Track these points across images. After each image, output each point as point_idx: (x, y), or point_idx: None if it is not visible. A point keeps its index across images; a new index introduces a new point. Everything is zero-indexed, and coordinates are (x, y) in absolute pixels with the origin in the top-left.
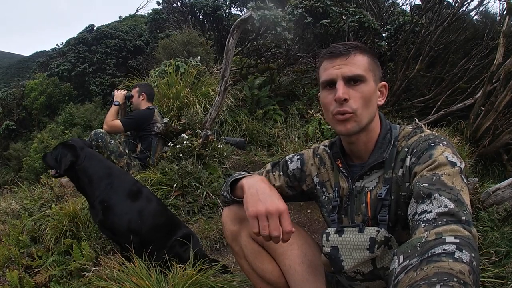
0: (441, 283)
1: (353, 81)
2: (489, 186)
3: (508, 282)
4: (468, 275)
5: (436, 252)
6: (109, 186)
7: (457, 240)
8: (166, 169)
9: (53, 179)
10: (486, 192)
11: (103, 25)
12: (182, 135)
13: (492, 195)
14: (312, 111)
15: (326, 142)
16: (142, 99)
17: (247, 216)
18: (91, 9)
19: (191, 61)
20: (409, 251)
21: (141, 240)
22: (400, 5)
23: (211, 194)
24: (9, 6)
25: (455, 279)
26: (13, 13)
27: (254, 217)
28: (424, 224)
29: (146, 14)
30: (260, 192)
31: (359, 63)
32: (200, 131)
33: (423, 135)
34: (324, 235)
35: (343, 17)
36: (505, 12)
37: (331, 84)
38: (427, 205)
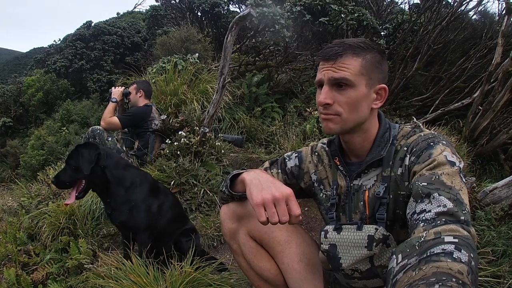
0: (440, 283)
1: (338, 85)
2: (486, 185)
3: (505, 281)
4: (466, 275)
5: (435, 252)
6: (134, 184)
7: (456, 240)
8: (164, 166)
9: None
10: (483, 192)
11: (101, 22)
12: (180, 132)
13: (489, 195)
14: (310, 109)
15: (325, 140)
16: (139, 96)
17: (253, 206)
18: (89, 5)
19: (189, 58)
20: (408, 250)
21: (159, 233)
22: (399, 3)
23: (208, 192)
24: (6, 3)
25: (453, 279)
26: (11, 9)
27: (261, 205)
28: (423, 223)
29: (144, 11)
30: (263, 181)
31: (348, 68)
32: (198, 128)
33: (422, 134)
34: (323, 233)
35: (342, 15)
36: (504, 12)
37: (320, 85)
38: (426, 205)
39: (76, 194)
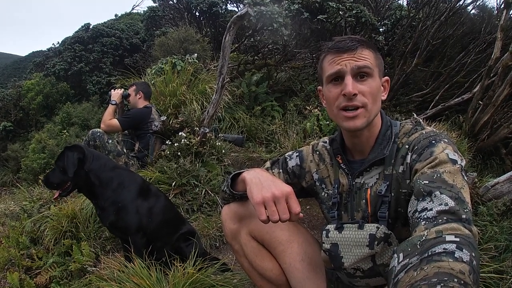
0: (442, 284)
1: (360, 76)
2: (488, 180)
3: (508, 277)
4: (468, 275)
5: (436, 251)
6: (121, 186)
7: (457, 239)
8: (165, 167)
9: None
10: (485, 187)
11: (99, 24)
12: (180, 133)
13: (491, 190)
14: (310, 107)
15: (326, 139)
16: (139, 98)
17: (253, 204)
18: (87, 8)
19: (187, 59)
20: (409, 249)
21: (151, 236)
22: None
23: (210, 192)
24: (5, 7)
25: (455, 280)
26: (9, 13)
27: (261, 204)
28: (424, 222)
29: (142, 12)
30: (263, 179)
31: (367, 58)
32: (198, 128)
33: (424, 132)
34: (324, 232)
35: (340, 12)
36: (502, 6)
37: (338, 78)
38: (427, 203)
39: (60, 192)
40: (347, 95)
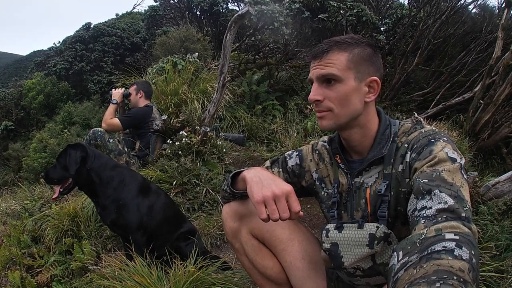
0: (441, 282)
1: (327, 81)
2: (489, 179)
3: (508, 276)
4: (467, 272)
5: (436, 249)
6: (122, 184)
7: (457, 237)
8: (166, 166)
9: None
10: (485, 186)
11: (100, 23)
12: (181, 132)
13: (492, 189)
14: (311, 106)
15: (325, 138)
16: (140, 97)
17: (253, 203)
18: (88, 7)
19: (188, 58)
20: (409, 247)
21: (151, 234)
22: None
23: (211, 191)
24: (5, 7)
25: (454, 277)
26: (10, 13)
27: (261, 202)
28: (424, 220)
29: (143, 11)
30: (263, 178)
31: (334, 63)
32: (199, 127)
33: (423, 131)
34: (324, 231)
35: (341, 11)
36: (503, 5)
37: (312, 83)
38: (427, 201)
39: (61, 190)
40: (309, 101)
